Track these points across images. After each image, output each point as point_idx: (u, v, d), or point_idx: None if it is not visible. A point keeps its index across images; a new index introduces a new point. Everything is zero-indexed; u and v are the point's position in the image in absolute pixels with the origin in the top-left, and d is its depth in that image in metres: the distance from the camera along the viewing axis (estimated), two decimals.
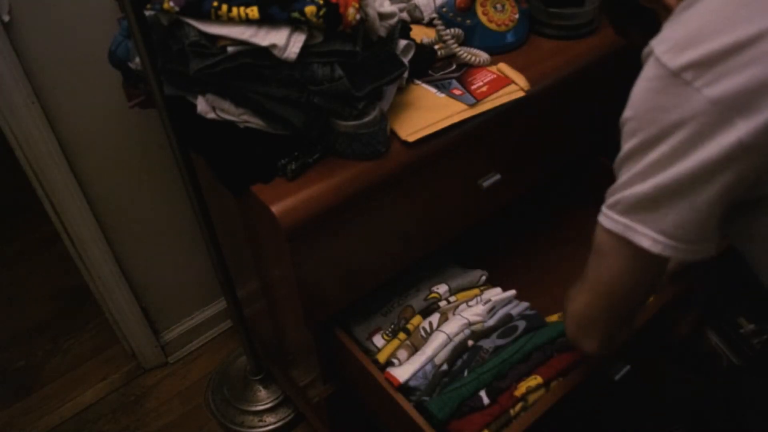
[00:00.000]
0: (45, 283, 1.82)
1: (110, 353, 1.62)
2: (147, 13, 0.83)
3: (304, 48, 0.74)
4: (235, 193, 0.86)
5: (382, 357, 0.97)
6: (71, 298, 1.77)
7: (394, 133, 0.88)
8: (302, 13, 0.72)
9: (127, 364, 1.58)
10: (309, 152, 0.84)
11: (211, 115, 0.85)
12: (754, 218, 0.62)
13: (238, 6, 0.73)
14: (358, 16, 0.76)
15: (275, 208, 0.79)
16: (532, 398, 0.92)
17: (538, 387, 0.92)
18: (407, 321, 1.02)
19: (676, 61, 0.54)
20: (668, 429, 1.25)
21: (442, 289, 1.08)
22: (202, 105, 0.85)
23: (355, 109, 0.80)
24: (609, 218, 0.62)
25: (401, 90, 0.94)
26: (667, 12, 0.63)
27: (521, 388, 0.91)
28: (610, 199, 0.62)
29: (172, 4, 0.75)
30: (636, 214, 0.59)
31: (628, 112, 0.59)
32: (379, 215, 0.91)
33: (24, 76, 1.01)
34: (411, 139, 0.86)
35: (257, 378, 1.45)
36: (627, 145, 0.60)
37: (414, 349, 0.98)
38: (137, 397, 1.53)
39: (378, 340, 1.01)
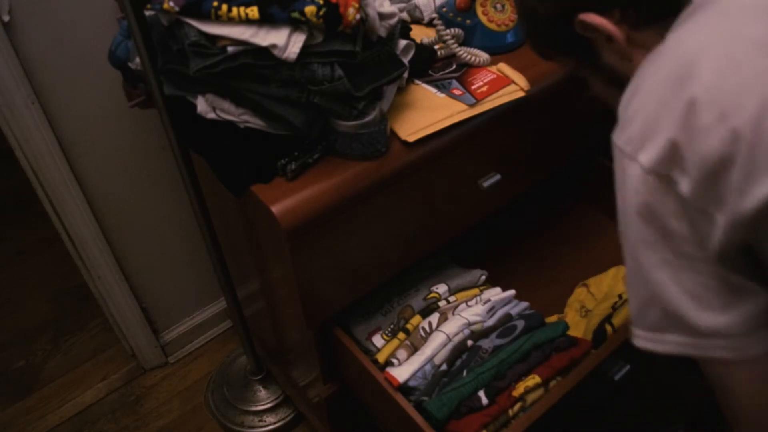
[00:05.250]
0: (45, 283, 1.82)
1: (110, 353, 1.62)
2: (147, 13, 0.83)
3: (304, 48, 0.74)
4: (235, 193, 0.86)
5: (381, 357, 0.97)
6: (71, 298, 1.77)
7: (394, 133, 0.88)
8: (302, 13, 0.72)
9: (127, 364, 1.58)
10: (309, 152, 0.84)
11: (211, 115, 0.85)
12: None
13: (238, 6, 0.73)
14: (358, 16, 0.76)
15: (275, 208, 0.79)
16: (530, 398, 0.92)
17: (536, 387, 0.92)
18: (407, 321, 1.02)
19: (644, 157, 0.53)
20: (668, 429, 1.25)
21: (441, 289, 1.08)
22: (202, 105, 0.85)
23: (355, 109, 0.80)
24: (726, 348, 0.56)
25: (401, 90, 0.94)
26: (609, 43, 0.62)
27: (519, 388, 0.91)
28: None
29: (172, 4, 0.75)
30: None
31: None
32: (379, 215, 0.91)
33: (24, 76, 1.01)
34: (411, 139, 0.86)
35: (257, 378, 1.45)
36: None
37: (413, 349, 0.98)
38: (137, 397, 1.53)
39: (377, 340, 1.01)
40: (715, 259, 0.54)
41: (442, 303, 1.06)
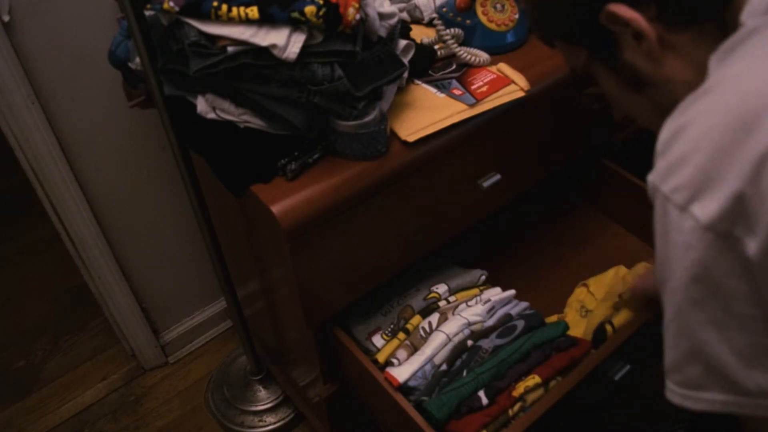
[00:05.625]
0: (45, 283, 1.82)
1: (110, 353, 1.62)
2: (147, 13, 0.83)
3: (304, 48, 0.74)
4: (235, 193, 0.86)
5: (381, 357, 0.97)
6: (71, 298, 1.77)
7: (394, 133, 0.88)
8: (302, 13, 0.72)
9: (127, 364, 1.58)
10: (309, 152, 0.84)
11: (211, 115, 0.85)
12: None
13: (238, 6, 0.73)
14: (358, 16, 0.76)
15: (275, 208, 0.79)
16: (530, 398, 0.92)
17: (536, 387, 0.92)
18: (407, 321, 1.02)
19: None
20: (668, 429, 1.25)
21: (441, 288, 1.08)
22: (202, 105, 0.85)
23: (355, 109, 0.80)
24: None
25: (401, 90, 0.94)
26: (636, 41, 0.55)
27: (519, 388, 0.91)
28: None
29: (172, 4, 0.75)
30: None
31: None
32: (379, 215, 0.91)
33: (24, 76, 1.01)
34: (411, 139, 0.86)
35: (257, 378, 1.45)
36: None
37: (413, 349, 0.98)
38: (137, 397, 1.53)
39: (377, 340, 1.01)
40: None
41: (442, 303, 1.06)
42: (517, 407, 0.91)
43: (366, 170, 0.84)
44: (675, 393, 0.56)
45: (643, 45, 0.54)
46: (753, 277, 0.47)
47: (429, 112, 0.90)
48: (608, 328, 1.02)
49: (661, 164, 0.50)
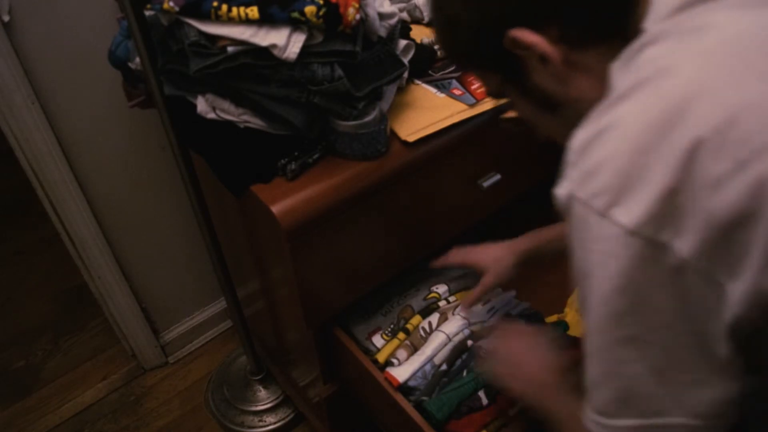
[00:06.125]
0: (45, 283, 1.82)
1: (110, 353, 1.62)
2: (147, 13, 0.83)
3: (304, 48, 0.74)
4: (235, 193, 0.86)
5: (381, 357, 0.97)
6: (71, 298, 1.77)
7: (394, 133, 0.88)
8: (302, 13, 0.72)
9: (127, 364, 1.58)
10: (309, 152, 0.84)
11: (211, 115, 0.85)
12: None
13: (238, 6, 0.73)
14: (358, 16, 0.76)
15: (275, 208, 0.79)
16: None
17: None
18: (407, 321, 1.02)
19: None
20: None
21: (441, 289, 1.08)
22: (202, 105, 0.85)
23: (355, 109, 0.80)
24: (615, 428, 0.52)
25: (401, 90, 0.94)
26: (542, 64, 0.53)
27: None
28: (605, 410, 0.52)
29: (172, 4, 0.75)
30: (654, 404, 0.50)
31: (619, 299, 0.47)
32: (379, 215, 0.91)
33: (24, 76, 1.01)
34: (411, 139, 0.86)
35: (257, 378, 1.45)
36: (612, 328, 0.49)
37: (413, 349, 0.98)
38: (137, 397, 1.53)
39: (377, 340, 1.01)
40: (705, 336, 0.46)
41: (442, 303, 1.06)
42: (517, 407, 0.91)
43: (366, 170, 0.84)
44: (592, 422, 0.54)
45: (549, 67, 0.53)
46: (680, 288, 0.45)
47: (429, 112, 0.90)
48: None
49: (574, 172, 0.49)
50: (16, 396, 1.53)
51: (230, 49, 0.75)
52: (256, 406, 1.44)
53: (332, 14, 0.73)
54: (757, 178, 0.41)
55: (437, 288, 1.08)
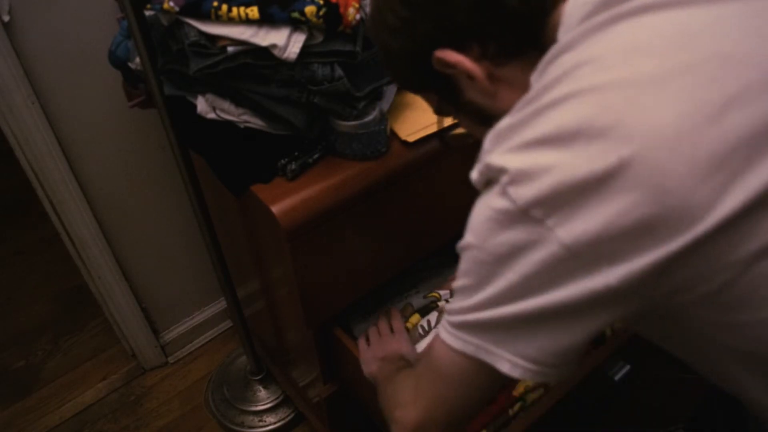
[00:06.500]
0: (45, 283, 1.82)
1: (110, 353, 1.62)
2: (147, 13, 0.83)
3: (304, 48, 0.74)
4: (235, 193, 0.86)
5: None
6: (71, 298, 1.77)
7: (394, 133, 0.88)
8: (302, 13, 0.72)
9: (127, 364, 1.58)
10: (309, 152, 0.84)
11: (211, 115, 0.85)
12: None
13: (238, 6, 0.73)
14: (358, 16, 0.76)
15: (275, 208, 0.79)
16: (530, 398, 0.92)
17: (536, 387, 0.92)
18: (406, 319, 1.02)
19: (523, 195, 0.45)
20: (668, 429, 1.25)
21: (442, 290, 1.08)
22: (202, 105, 0.85)
23: (355, 109, 0.80)
24: (458, 338, 0.53)
25: (401, 90, 0.94)
26: (470, 81, 0.56)
27: (519, 388, 0.91)
28: (456, 319, 0.53)
29: (172, 4, 0.75)
30: (492, 335, 0.51)
31: (469, 238, 0.51)
32: (379, 215, 0.91)
33: (24, 76, 1.01)
34: (411, 139, 0.86)
35: (257, 378, 1.45)
36: (472, 271, 0.51)
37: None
38: (137, 397, 1.53)
39: None
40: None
41: (441, 303, 1.06)
42: (517, 407, 0.91)
43: (366, 170, 0.84)
44: (446, 322, 0.55)
45: (476, 83, 0.56)
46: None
47: (429, 112, 0.89)
48: (607, 328, 1.02)
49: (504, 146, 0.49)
50: (16, 396, 1.53)
51: (230, 49, 0.75)
52: (256, 406, 1.44)
53: (332, 14, 0.73)
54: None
55: (438, 288, 1.08)
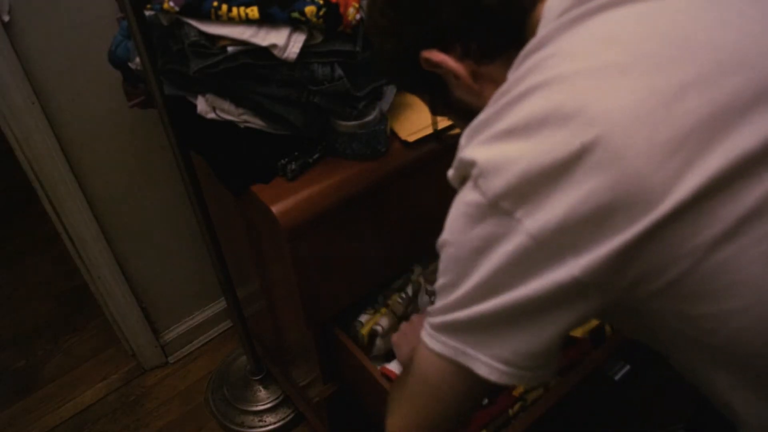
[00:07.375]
0: (45, 283, 1.82)
1: (110, 353, 1.62)
2: (147, 13, 0.83)
3: (304, 48, 0.74)
4: (235, 193, 0.86)
5: (365, 330, 0.98)
6: (71, 298, 1.77)
7: (394, 133, 0.88)
8: (302, 13, 0.72)
9: (127, 364, 1.58)
10: (309, 152, 0.84)
11: (211, 115, 0.85)
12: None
13: (238, 6, 0.73)
14: (358, 16, 0.76)
15: (275, 208, 0.79)
16: (530, 398, 0.92)
17: (536, 386, 0.92)
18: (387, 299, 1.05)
19: (491, 187, 0.46)
20: (668, 429, 1.25)
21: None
22: (202, 105, 0.85)
23: (355, 109, 0.80)
24: (438, 341, 0.54)
25: (401, 90, 0.94)
26: (456, 80, 0.57)
27: (519, 387, 0.91)
28: (436, 320, 0.54)
29: (172, 4, 0.75)
30: (469, 337, 0.51)
31: (446, 235, 0.53)
32: (380, 215, 0.91)
33: (24, 76, 1.01)
34: (411, 139, 0.86)
35: (257, 378, 1.45)
36: (449, 269, 0.53)
37: (393, 315, 1.00)
38: (137, 397, 1.53)
39: (363, 318, 1.02)
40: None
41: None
42: (517, 407, 0.91)
43: (366, 170, 0.84)
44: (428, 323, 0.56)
45: (462, 82, 0.57)
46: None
47: (429, 112, 0.90)
48: (608, 328, 1.02)
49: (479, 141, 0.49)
50: (16, 396, 1.53)
51: (230, 49, 0.75)
52: (256, 406, 1.44)
53: (332, 14, 0.73)
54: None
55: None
